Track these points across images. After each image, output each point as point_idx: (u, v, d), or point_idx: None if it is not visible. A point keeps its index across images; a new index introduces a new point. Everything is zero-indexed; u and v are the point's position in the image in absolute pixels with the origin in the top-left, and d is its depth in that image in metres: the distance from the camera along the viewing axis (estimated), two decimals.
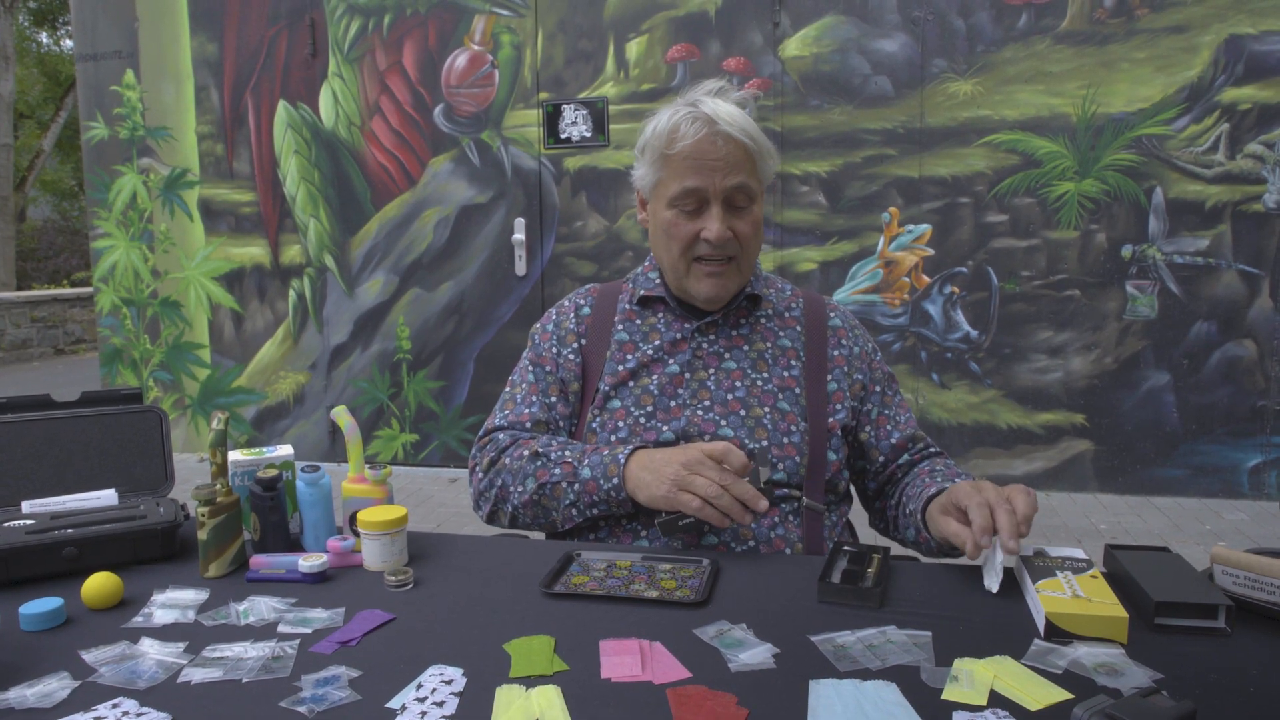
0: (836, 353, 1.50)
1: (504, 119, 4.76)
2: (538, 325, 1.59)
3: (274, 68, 5.01)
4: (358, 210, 4.99)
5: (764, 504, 1.23)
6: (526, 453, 1.40)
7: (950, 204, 4.35)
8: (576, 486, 1.34)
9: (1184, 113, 4.07)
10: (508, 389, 1.55)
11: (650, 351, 1.47)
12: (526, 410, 1.50)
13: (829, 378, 1.47)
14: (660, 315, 1.51)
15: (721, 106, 1.39)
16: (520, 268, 4.80)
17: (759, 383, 1.44)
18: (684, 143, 1.37)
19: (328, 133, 4.98)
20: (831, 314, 1.55)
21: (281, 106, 5.02)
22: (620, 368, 1.46)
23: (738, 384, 1.44)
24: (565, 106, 4.67)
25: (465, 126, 4.81)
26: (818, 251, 4.50)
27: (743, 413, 1.41)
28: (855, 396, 1.49)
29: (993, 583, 1.10)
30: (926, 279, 4.42)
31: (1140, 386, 4.25)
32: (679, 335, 1.48)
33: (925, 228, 4.39)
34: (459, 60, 4.78)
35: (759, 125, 1.44)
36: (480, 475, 1.46)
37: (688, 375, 1.45)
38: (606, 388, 1.46)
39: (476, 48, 4.75)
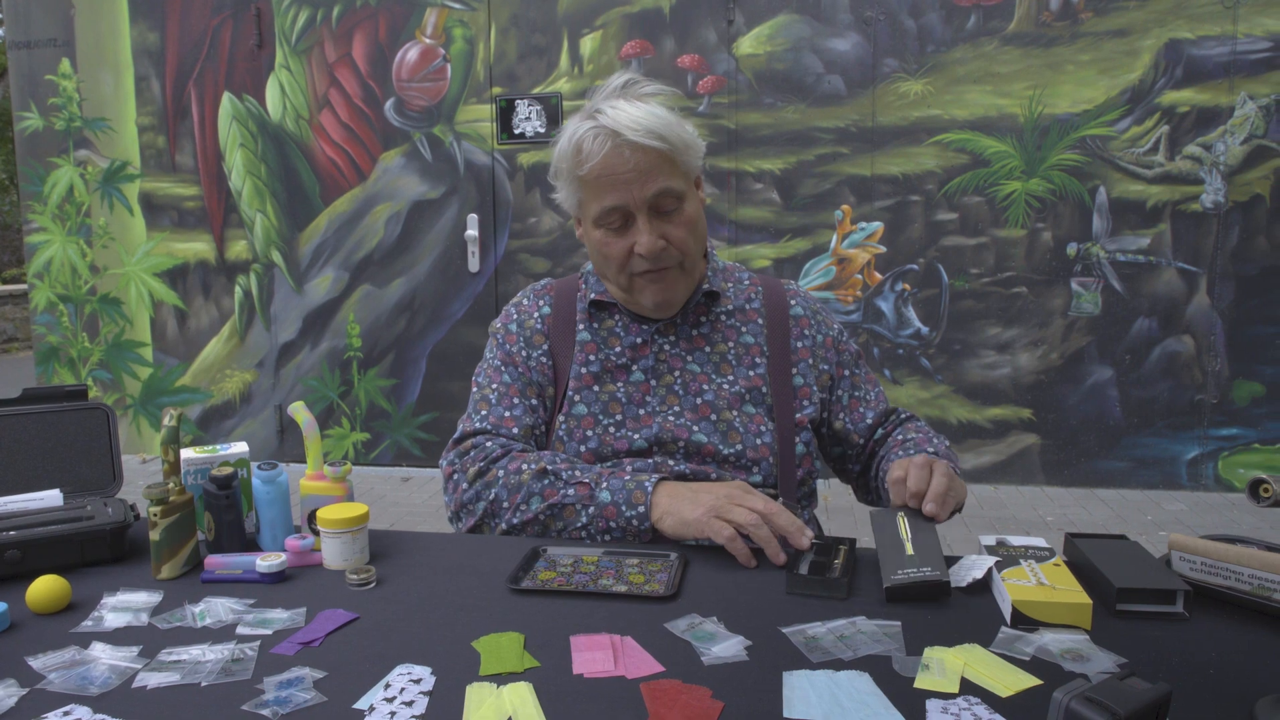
0: (800, 344, 1.47)
1: (456, 114, 4.70)
2: (498, 324, 1.52)
3: (218, 58, 4.89)
4: (306, 205, 4.90)
5: (807, 539, 1.16)
6: (528, 468, 1.32)
7: (901, 202, 4.41)
8: (592, 509, 1.28)
9: (1126, 114, 4.18)
10: (476, 390, 1.46)
11: (613, 357, 1.43)
12: (508, 413, 1.42)
13: (794, 371, 1.46)
14: (617, 318, 1.47)
15: (624, 112, 1.30)
16: (473, 264, 4.76)
17: (725, 386, 1.42)
18: (591, 162, 1.30)
19: (275, 126, 4.88)
20: (793, 302, 1.51)
21: (226, 98, 4.90)
22: (584, 370, 1.43)
23: (705, 388, 1.41)
24: (519, 102, 4.63)
25: (417, 121, 4.74)
26: (771, 249, 4.52)
27: (713, 417, 1.39)
28: (823, 388, 1.48)
29: (961, 581, 1.10)
30: (878, 276, 4.48)
31: (1084, 381, 4.35)
32: (639, 339, 1.44)
33: (877, 225, 4.44)
34: (410, 54, 4.72)
35: (682, 115, 1.37)
36: (465, 486, 1.35)
37: (653, 382, 1.42)
38: (571, 391, 1.42)
39: (428, 41, 4.69)
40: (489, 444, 1.38)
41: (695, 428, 1.39)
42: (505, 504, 1.32)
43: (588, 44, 4.55)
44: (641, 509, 1.26)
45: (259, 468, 1.28)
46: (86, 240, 5.14)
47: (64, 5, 5.00)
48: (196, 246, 5.05)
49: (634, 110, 1.31)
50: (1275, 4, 4.02)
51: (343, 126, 4.81)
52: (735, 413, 1.40)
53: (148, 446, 5.26)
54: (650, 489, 1.27)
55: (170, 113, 4.98)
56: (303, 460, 1.29)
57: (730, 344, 1.46)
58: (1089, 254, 4.29)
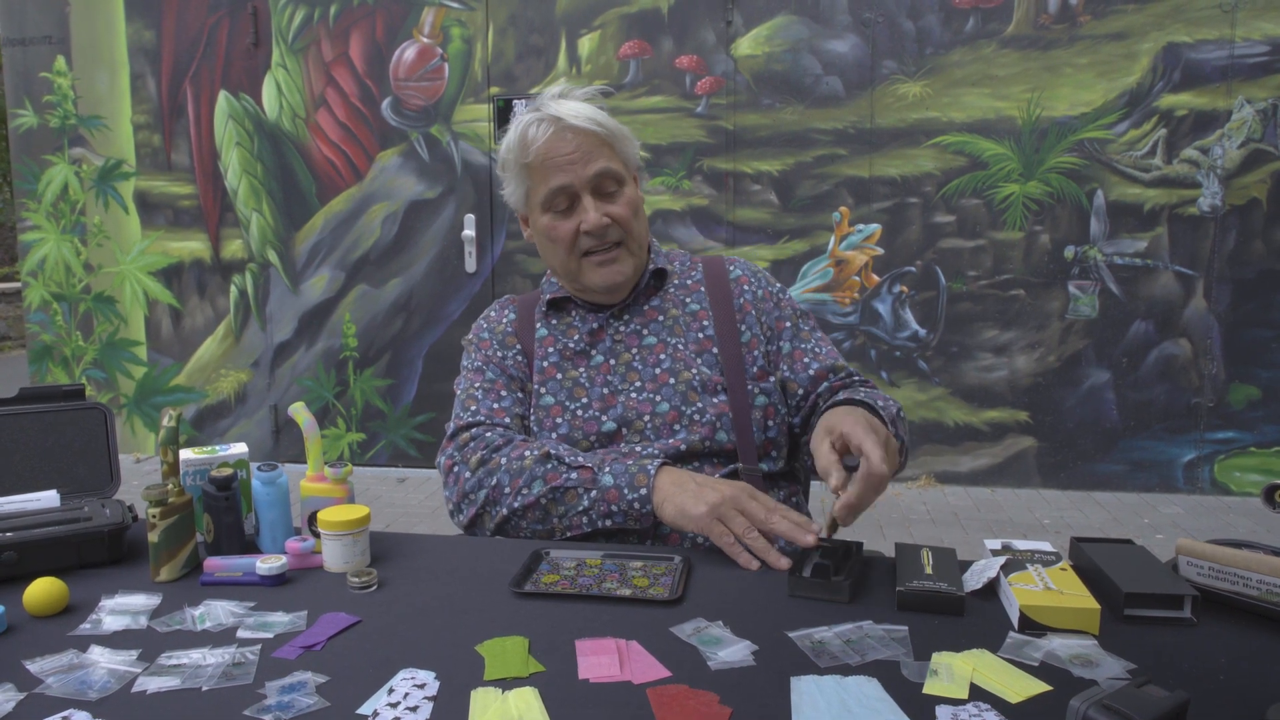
0: (742, 300, 1.51)
1: (454, 113, 4.69)
2: (470, 335, 1.57)
3: (214, 57, 4.87)
4: (302, 205, 4.88)
5: (810, 536, 1.16)
6: (530, 453, 1.34)
7: (899, 204, 4.41)
8: (594, 493, 1.29)
9: (1124, 118, 4.18)
10: (460, 392, 1.49)
11: (572, 345, 1.48)
12: (497, 405, 1.45)
13: (741, 327, 1.49)
14: (574, 313, 1.52)
15: (565, 105, 1.43)
16: (470, 264, 4.74)
17: (679, 347, 1.46)
18: (535, 146, 1.40)
19: (271, 125, 4.86)
20: (731, 267, 1.56)
21: (222, 97, 4.89)
22: (544, 363, 1.47)
23: (661, 356, 1.45)
24: (516, 102, 4.62)
25: (414, 120, 4.73)
26: (769, 250, 4.52)
27: (672, 381, 1.43)
28: (768, 338, 1.50)
29: (976, 584, 1.09)
30: (876, 278, 4.47)
31: (1081, 384, 4.35)
32: (596, 325, 1.49)
33: (875, 227, 4.44)
34: (408, 53, 4.70)
35: (615, 115, 1.47)
36: (467, 474, 1.36)
37: (613, 361, 1.46)
38: (536, 385, 1.46)
39: (426, 40, 4.68)
40: (489, 434, 1.40)
41: (657, 397, 1.42)
42: (507, 489, 1.33)
43: (586, 44, 4.54)
44: (644, 491, 1.27)
45: (258, 469, 1.27)
46: (81, 238, 5.11)
47: (59, 2, 4.97)
48: (192, 245, 5.03)
49: (573, 104, 1.44)
50: (1273, 8, 4.03)
51: (339, 125, 4.80)
52: (693, 371, 1.43)
53: (142, 446, 5.24)
54: (653, 472, 1.29)
55: (166, 111, 4.96)
56: (298, 460, 1.28)
57: (679, 310, 1.51)
58: (1086, 257, 4.29)
